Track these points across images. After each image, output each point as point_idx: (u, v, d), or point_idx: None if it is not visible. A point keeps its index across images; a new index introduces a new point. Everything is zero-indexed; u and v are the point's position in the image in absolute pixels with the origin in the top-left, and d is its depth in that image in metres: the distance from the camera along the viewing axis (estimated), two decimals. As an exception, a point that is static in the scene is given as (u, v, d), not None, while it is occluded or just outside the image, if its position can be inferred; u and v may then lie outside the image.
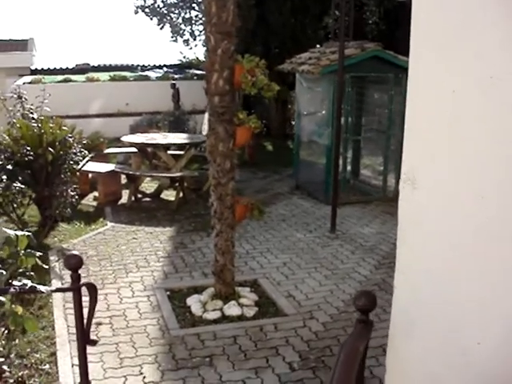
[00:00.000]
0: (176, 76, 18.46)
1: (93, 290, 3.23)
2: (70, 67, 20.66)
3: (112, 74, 18.53)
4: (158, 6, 19.97)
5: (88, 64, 21.12)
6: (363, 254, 7.52)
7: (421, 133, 2.26)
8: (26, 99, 8.78)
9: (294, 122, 16.25)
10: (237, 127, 5.76)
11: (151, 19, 20.15)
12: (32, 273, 3.66)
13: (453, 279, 2.14)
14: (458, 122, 2.07)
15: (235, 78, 5.65)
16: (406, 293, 2.43)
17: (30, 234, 3.11)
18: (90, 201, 10.06)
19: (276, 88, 5.75)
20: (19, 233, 3.05)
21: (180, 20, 20.14)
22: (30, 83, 16.32)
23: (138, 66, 21.30)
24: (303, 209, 9.69)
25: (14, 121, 8.38)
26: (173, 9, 19.99)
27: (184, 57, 21.49)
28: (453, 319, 2.14)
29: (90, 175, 10.40)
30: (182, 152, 10.68)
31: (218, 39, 5.61)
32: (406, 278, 2.41)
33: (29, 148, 7.97)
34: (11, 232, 3.06)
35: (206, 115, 5.98)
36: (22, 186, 7.78)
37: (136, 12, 20.03)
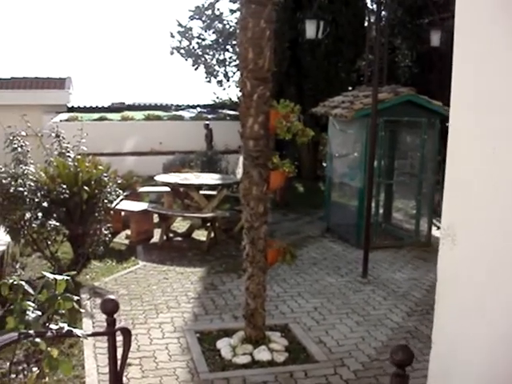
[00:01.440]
0: (209, 116, 18.72)
1: (127, 334, 3.24)
2: (106, 105, 21.10)
3: (146, 113, 18.87)
4: (193, 47, 20.36)
5: (123, 103, 21.55)
6: (395, 300, 7.42)
7: (461, 189, 2.25)
8: (63, 138, 8.98)
9: (325, 164, 16.32)
10: (271, 171, 5.81)
11: (186, 60, 20.53)
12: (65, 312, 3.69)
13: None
14: (499, 180, 2.06)
15: (270, 123, 5.72)
16: (445, 350, 2.39)
17: (68, 277, 3.15)
18: (122, 239, 10.14)
19: (311, 134, 5.80)
20: (58, 277, 3.09)
21: (214, 61, 20.47)
22: (66, 121, 16.70)
23: (172, 105, 21.66)
24: (334, 252, 9.63)
25: (52, 159, 8.57)
26: (207, 50, 20.36)
27: (217, 97, 21.80)
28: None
29: (122, 213, 10.51)
30: (214, 192, 10.77)
31: (254, 85, 5.70)
32: (446, 335, 2.37)
33: (65, 186, 8.10)
34: (50, 275, 3.11)
35: (241, 158, 6.02)
36: (57, 224, 7.92)
37: (172, 53, 20.45)
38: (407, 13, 16.03)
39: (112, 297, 3.18)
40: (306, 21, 7.50)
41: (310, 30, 7.38)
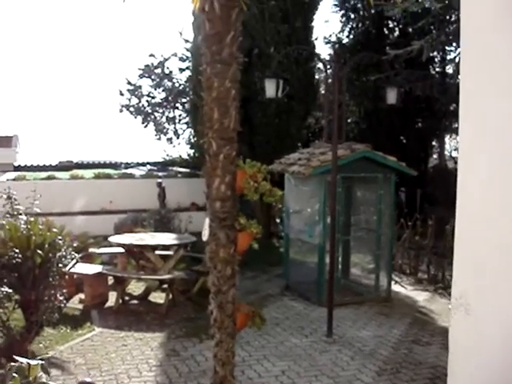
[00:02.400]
0: (160, 174, 18.55)
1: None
2: (54, 164, 20.70)
3: (96, 171, 18.55)
4: (143, 105, 20.34)
5: (71, 161, 21.20)
6: (363, 359, 7.28)
7: (473, 257, 2.17)
8: (15, 199, 8.66)
9: (278, 221, 16.30)
10: (238, 232, 5.67)
11: (136, 118, 20.46)
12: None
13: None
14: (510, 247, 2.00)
15: (237, 184, 5.61)
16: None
17: (43, 362, 2.90)
18: (75, 303, 9.73)
19: (278, 194, 5.70)
20: (32, 362, 2.84)
21: (164, 119, 20.48)
22: (13, 180, 16.25)
23: (122, 163, 21.43)
24: (296, 311, 9.47)
25: (3, 222, 8.21)
26: (157, 108, 20.36)
27: (167, 155, 21.70)
28: None
29: (75, 276, 10.12)
30: (168, 252, 10.53)
31: (219, 145, 5.59)
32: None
33: (17, 250, 7.74)
34: (24, 360, 2.86)
35: (207, 220, 5.86)
36: (9, 290, 7.51)
37: (121, 111, 20.36)
38: (354, 70, 16.45)
39: (88, 380, 2.93)
40: (265, 80, 7.52)
41: (270, 88, 7.40)
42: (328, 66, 17.30)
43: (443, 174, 19.62)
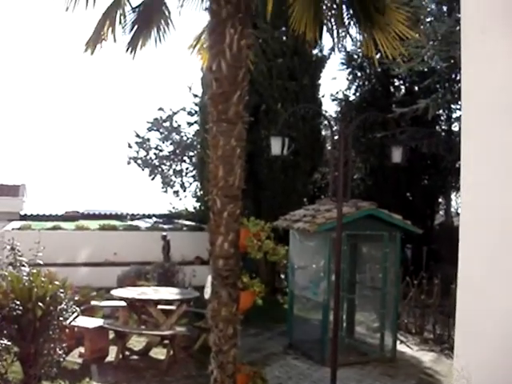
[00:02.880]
0: (165, 226, 18.55)
1: None
2: (60, 214, 20.76)
3: (101, 222, 18.58)
4: (151, 157, 20.53)
5: (77, 212, 21.26)
6: (367, 424, 7.08)
7: (475, 331, 2.13)
8: (18, 250, 8.65)
9: (283, 276, 16.16)
10: (241, 291, 5.63)
11: (143, 170, 20.62)
12: None
13: None
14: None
15: (240, 242, 5.61)
16: None
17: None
18: (75, 357, 9.56)
19: (282, 252, 5.70)
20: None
21: (171, 172, 20.63)
22: (18, 229, 16.27)
23: (128, 215, 21.47)
24: (299, 371, 9.28)
25: (6, 273, 8.17)
26: (164, 161, 20.55)
27: (173, 207, 21.76)
28: None
29: (75, 330, 9.99)
30: (171, 307, 10.42)
31: (224, 202, 5.63)
32: None
33: (18, 302, 7.67)
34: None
35: (209, 277, 5.83)
36: (8, 343, 7.41)
37: (129, 163, 20.55)
38: (360, 127, 16.61)
39: None
40: (271, 138, 7.58)
41: (276, 146, 7.46)
42: (334, 124, 17.55)
43: (449, 231, 19.52)
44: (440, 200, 21.82)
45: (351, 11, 6.53)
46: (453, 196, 22.72)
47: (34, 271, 8.20)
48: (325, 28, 7.04)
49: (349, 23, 6.62)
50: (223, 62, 5.59)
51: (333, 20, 6.79)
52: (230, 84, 5.63)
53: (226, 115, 5.66)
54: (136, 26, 6.90)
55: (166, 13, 7.12)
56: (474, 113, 2.36)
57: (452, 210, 22.97)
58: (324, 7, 6.70)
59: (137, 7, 6.91)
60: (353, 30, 7.04)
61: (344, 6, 6.55)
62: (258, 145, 13.81)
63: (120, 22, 6.68)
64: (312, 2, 6.27)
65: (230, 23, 5.57)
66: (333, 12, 6.78)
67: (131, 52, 6.95)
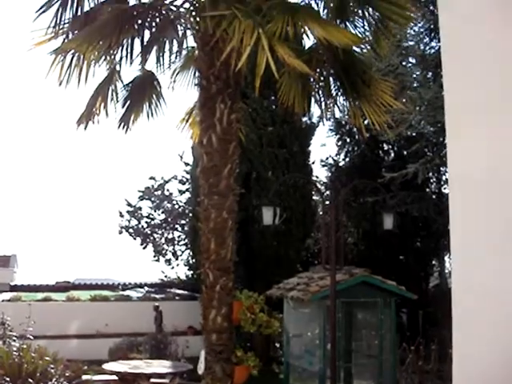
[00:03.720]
0: (157, 296, 18.32)
1: None
2: (51, 284, 20.52)
3: (93, 293, 18.32)
4: (142, 226, 20.47)
5: (68, 282, 21.02)
6: None
7: None
8: (8, 325, 8.53)
9: (278, 345, 15.88)
10: (235, 366, 5.52)
11: (135, 239, 20.52)
12: None
13: None
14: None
15: (234, 315, 5.54)
16: None
17: None
18: None
19: (276, 325, 5.63)
20: None
21: (163, 240, 20.54)
22: (8, 301, 16.05)
23: (119, 284, 21.21)
24: None
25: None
26: (156, 229, 20.48)
27: (165, 276, 21.55)
28: None
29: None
30: (164, 380, 10.19)
31: (216, 276, 5.60)
32: None
33: (7, 378, 7.50)
34: None
35: (202, 352, 5.73)
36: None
37: (120, 232, 20.45)
38: (351, 192, 16.70)
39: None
40: (262, 208, 7.62)
41: (267, 216, 7.49)
42: (325, 189, 17.67)
43: (444, 293, 19.37)
44: (434, 262, 21.75)
45: (338, 83, 6.68)
46: (446, 258, 22.67)
47: (24, 346, 8.05)
48: (313, 99, 7.18)
49: (336, 94, 6.75)
50: (214, 136, 5.67)
51: (320, 92, 6.93)
52: (221, 157, 5.70)
53: (217, 188, 5.70)
54: (128, 102, 7.02)
55: (158, 88, 7.25)
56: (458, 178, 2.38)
57: (446, 271, 22.89)
58: (311, 80, 6.84)
59: (129, 83, 7.04)
60: (340, 99, 7.20)
61: (331, 79, 6.71)
62: (249, 212, 13.84)
63: (112, 99, 6.79)
64: (299, 76, 6.40)
65: (219, 98, 5.68)
66: (320, 84, 6.92)
67: (123, 127, 7.05)
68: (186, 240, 19.93)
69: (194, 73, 7.38)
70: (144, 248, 20.55)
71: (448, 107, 2.43)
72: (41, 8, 6.68)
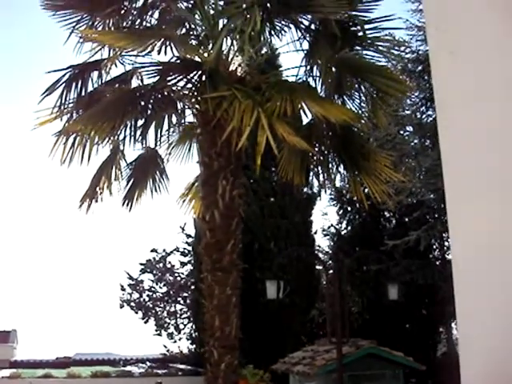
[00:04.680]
0: (160, 372, 17.92)
1: None
2: (51, 359, 20.15)
3: (93, 369, 17.94)
4: (144, 300, 20.26)
5: (69, 357, 20.64)
6: None
7: None
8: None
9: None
10: None
11: (136, 313, 20.26)
12: None
13: None
14: None
15: (240, 394, 5.43)
16: None
17: None
18: None
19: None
20: None
21: (165, 313, 20.27)
22: (8, 378, 15.73)
23: (121, 360, 20.78)
24: None
25: None
26: (158, 303, 20.26)
27: (168, 350, 21.16)
28: None
29: None
30: None
31: (221, 353, 5.52)
32: None
33: None
34: None
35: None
36: None
37: (121, 306, 20.22)
38: (355, 261, 16.63)
39: None
40: (266, 282, 7.59)
41: (271, 290, 7.45)
42: (328, 259, 17.58)
43: (452, 361, 18.98)
44: (441, 329, 21.40)
45: (337, 157, 6.78)
46: (453, 325, 22.30)
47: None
48: (312, 172, 7.28)
49: (336, 168, 6.84)
50: (216, 213, 5.71)
51: (320, 165, 7.02)
52: (224, 233, 5.72)
53: (220, 264, 5.70)
54: (132, 180, 7.11)
55: (161, 164, 7.36)
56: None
57: (454, 338, 22.47)
58: (310, 154, 6.95)
59: (132, 162, 7.15)
60: (340, 171, 7.28)
61: (330, 153, 6.80)
62: (252, 285, 13.73)
63: (116, 178, 6.89)
64: (299, 150, 6.50)
65: (221, 175, 5.76)
66: (320, 158, 7.02)
67: (127, 205, 7.11)
68: (189, 313, 19.67)
69: (190, 146, 7.54)
70: (146, 322, 20.25)
71: (446, 171, 2.46)
72: (46, 91, 6.87)
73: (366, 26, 6.72)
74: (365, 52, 6.81)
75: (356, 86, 6.68)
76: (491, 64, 2.33)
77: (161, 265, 20.35)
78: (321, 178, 7.38)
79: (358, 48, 6.87)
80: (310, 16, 6.76)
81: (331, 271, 14.42)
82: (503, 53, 2.28)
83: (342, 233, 19.03)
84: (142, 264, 20.47)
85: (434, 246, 19.45)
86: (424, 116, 17.19)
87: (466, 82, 2.37)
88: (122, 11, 6.78)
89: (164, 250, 20.68)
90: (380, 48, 6.61)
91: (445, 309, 19.14)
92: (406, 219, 18.67)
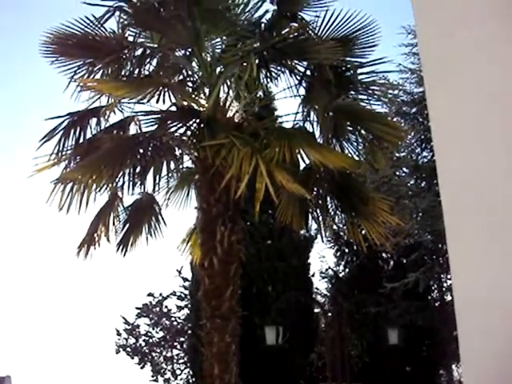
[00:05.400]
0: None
1: None
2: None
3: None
4: (140, 344, 19.98)
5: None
6: None
7: None
8: None
9: None
10: None
11: (132, 358, 19.96)
12: None
13: None
14: None
15: None
16: None
17: None
18: None
19: None
20: None
21: (161, 359, 19.98)
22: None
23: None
24: None
25: None
26: (155, 348, 19.97)
27: (167, 399, 20.78)
28: None
29: None
30: None
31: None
32: None
33: None
34: None
35: None
36: None
37: (117, 351, 19.92)
38: (354, 304, 16.52)
39: None
40: (265, 327, 7.50)
41: (270, 336, 7.37)
42: (326, 301, 17.45)
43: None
44: (441, 372, 21.11)
45: (335, 201, 6.79)
46: (454, 366, 21.99)
47: None
48: (310, 216, 7.28)
49: (334, 212, 6.85)
50: (215, 259, 5.69)
51: (318, 210, 7.03)
52: (223, 280, 5.69)
53: (219, 311, 5.65)
54: (128, 225, 7.09)
55: (157, 210, 7.35)
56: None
57: (455, 380, 22.13)
58: (309, 198, 6.96)
59: (128, 206, 7.15)
60: (338, 214, 7.29)
61: (328, 197, 6.82)
62: (251, 330, 13.58)
63: (114, 224, 6.87)
64: (297, 196, 6.51)
65: (220, 221, 5.76)
66: (318, 202, 7.04)
67: (122, 251, 7.08)
68: (186, 358, 19.37)
69: (188, 192, 7.55)
70: (142, 367, 19.92)
71: (446, 210, 2.46)
72: (44, 137, 6.91)
73: (361, 71, 6.85)
74: (360, 96, 6.92)
75: (353, 131, 6.75)
76: (490, 105, 2.34)
77: (157, 309, 20.12)
78: (319, 221, 7.36)
79: (352, 92, 6.97)
80: (305, 62, 6.87)
81: (330, 314, 14.32)
82: (503, 93, 2.30)
83: (340, 275, 18.94)
84: (138, 308, 20.24)
85: (433, 288, 19.35)
86: (420, 157, 17.32)
87: (465, 124, 2.39)
88: (121, 59, 6.86)
89: (160, 294, 20.47)
90: (375, 92, 6.71)
91: (445, 350, 18.93)
92: (404, 260, 18.60)
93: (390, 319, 11.22)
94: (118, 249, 7.09)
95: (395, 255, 18.96)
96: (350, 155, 6.64)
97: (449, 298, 18.62)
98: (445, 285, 18.77)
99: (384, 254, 19.16)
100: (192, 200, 7.58)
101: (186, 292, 19.11)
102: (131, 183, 6.56)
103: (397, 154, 16.55)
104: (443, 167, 2.50)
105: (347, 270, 18.80)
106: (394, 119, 16.06)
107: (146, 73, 6.99)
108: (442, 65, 2.49)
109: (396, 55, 16.34)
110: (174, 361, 19.91)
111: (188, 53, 6.92)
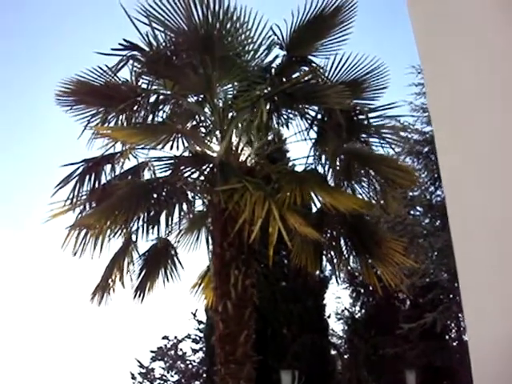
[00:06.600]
0: None
1: None
2: None
3: None
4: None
5: None
6: None
7: None
8: None
9: None
10: None
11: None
12: None
13: None
14: None
15: None
16: None
17: None
18: None
19: None
20: None
21: None
22: None
23: None
24: None
25: None
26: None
27: None
28: None
29: None
30: None
31: None
32: None
33: None
34: None
35: None
36: None
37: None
38: (371, 346, 16.33)
39: None
40: (280, 371, 7.43)
41: (286, 381, 7.30)
42: (343, 343, 17.23)
43: None
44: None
45: (349, 243, 6.79)
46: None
47: None
48: (324, 258, 7.27)
49: (348, 255, 6.84)
50: (229, 303, 5.68)
51: (332, 251, 7.02)
52: (237, 324, 5.67)
53: (233, 356, 5.62)
54: (144, 271, 7.12)
55: (173, 254, 7.38)
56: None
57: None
58: (323, 240, 6.96)
59: (145, 253, 7.19)
60: (352, 256, 7.27)
61: (342, 239, 6.82)
62: (266, 374, 13.43)
63: (128, 271, 6.90)
64: (311, 239, 6.53)
65: (234, 265, 5.78)
66: (332, 244, 7.04)
67: (139, 296, 7.09)
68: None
69: (198, 234, 7.56)
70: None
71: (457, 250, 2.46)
72: (59, 183, 7.00)
73: (371, 115, 6.91)
74: (371, 139, 6.97)
75: (364, 174, 6.78)
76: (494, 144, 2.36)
77: (172, 352, 19.94)
78: (334, 263, 7.35)
79: (364, 135, 7.03)
80: (315, 106, 6.96)
81: (346, 356, 14.13)
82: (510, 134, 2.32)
83: (356, 316, 18.72)
84: (152, 351, 20.07)
85: (451, 327, 19.06)
86: (433, 196, 17.25)
87: (475, 162, 2.40)
88: (135, 106, 6.99)
89: (175, 337, 20.31)
90: (386, 136, 6.76)
91: (466, 389, 18.53)
92: (421, 300, 18.38)
93: (408, 360, 11.04)
94: (135, 296, 7.10)
95: (411, 295, 18.75)
96: (361, 197, 6.66)
97: (466, 338, 18.30)
98: (462, 324, 18.47)
99: (400, 294, 18.94)
100: (202, 243, 7.62)
101: (201, 335, 18.97)
102: (145, 228, 6.61)
103: (410, 193, 16.52)
104: (453, 208, 2.50)
105: (363, 310, 18.59)
106: (407, 159, 16.11)
107: (160, 119, 7.11)
108: (450, 106, 2.51)
109: (406, 94, 16.45)
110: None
111: (200, 99, 7.04)
